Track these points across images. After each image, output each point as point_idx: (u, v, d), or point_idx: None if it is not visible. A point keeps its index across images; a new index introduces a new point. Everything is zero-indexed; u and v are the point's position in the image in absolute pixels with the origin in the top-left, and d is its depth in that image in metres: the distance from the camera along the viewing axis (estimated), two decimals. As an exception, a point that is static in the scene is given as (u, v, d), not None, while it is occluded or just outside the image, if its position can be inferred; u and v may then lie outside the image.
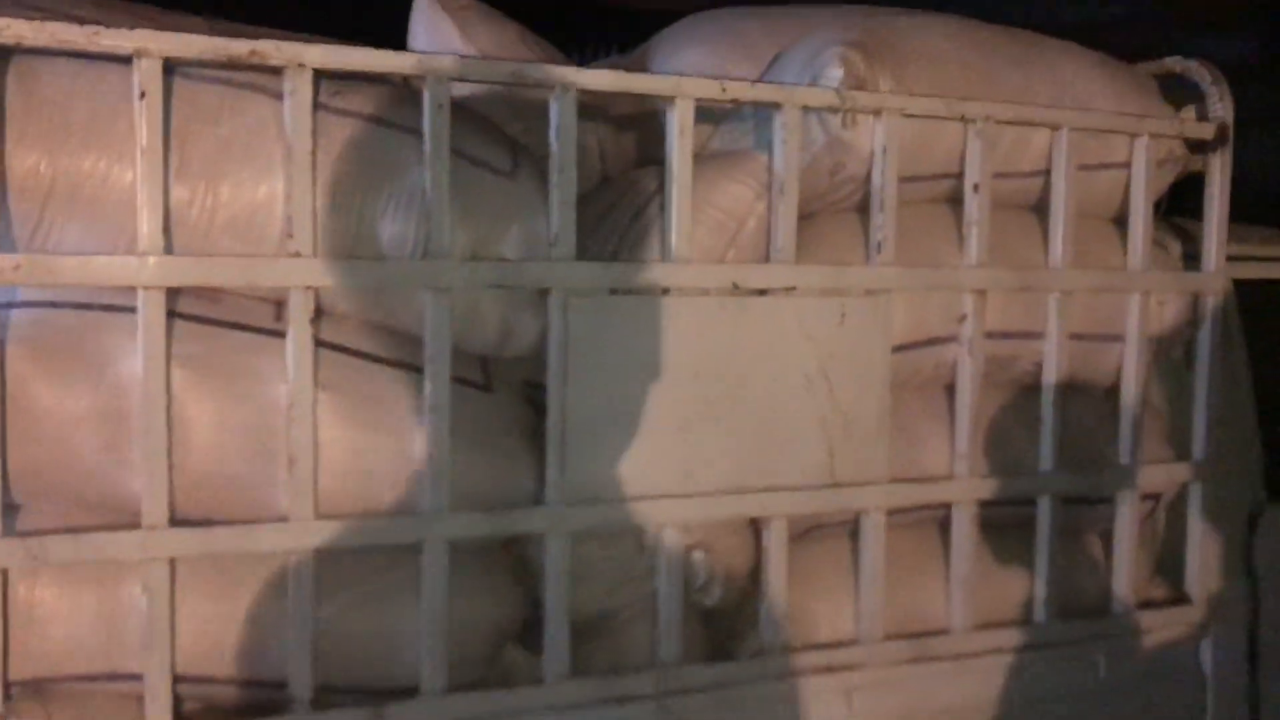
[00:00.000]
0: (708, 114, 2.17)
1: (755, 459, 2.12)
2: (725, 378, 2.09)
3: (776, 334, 2.12)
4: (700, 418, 2.08)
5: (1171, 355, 2.63)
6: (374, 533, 1.88)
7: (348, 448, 1.88)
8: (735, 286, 2.09)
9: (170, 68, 1.73)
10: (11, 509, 1.73)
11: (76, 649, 1.78)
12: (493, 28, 2.41)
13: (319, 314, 1.84)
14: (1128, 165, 2.47)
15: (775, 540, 2.15)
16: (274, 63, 1.76)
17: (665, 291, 2.05)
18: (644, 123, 2.49)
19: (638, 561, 2.10)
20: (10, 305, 1.72)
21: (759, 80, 2.17)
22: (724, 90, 2.06)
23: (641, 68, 2.55)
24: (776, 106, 2.10)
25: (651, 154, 2.46)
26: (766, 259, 2.14)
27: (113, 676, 1.80)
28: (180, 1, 2.05)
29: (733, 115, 2.32)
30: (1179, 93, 2.66)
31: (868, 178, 2.22)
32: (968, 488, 2.31)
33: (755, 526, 2.21)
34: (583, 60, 2.67)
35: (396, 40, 2.33)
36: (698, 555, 2.11)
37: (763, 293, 2.12)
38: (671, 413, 2.05)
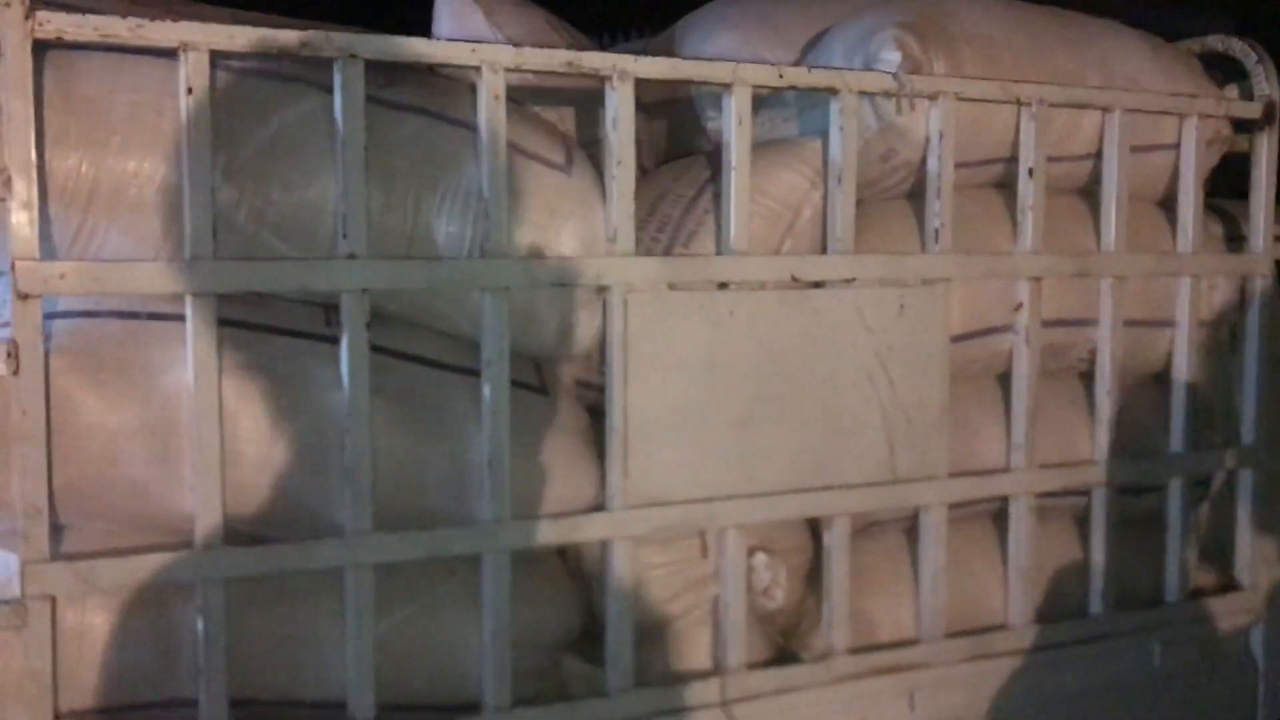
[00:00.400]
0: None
1: (816, 456, 2.06)
2: (785, 373, 2.02)
3: (835, 327, 2.06)
4: (761, 415, 2.01)
5: (1218, 339, 2.58)
6: (434, 544, 1.80)
7: (404, 457, 1.80)
8: (794, 279, 2.02)
9: (215, 61, 1.63)
10: (57, 529, 1.64)
11: (128, 677, 1.69)
12: (520, 14, 2.31)
13: (373, 318, 1.75)
14: (1176, 146, 2.42)
15: (838, 539, 2.09)
16: (325, 54, 1.66)
17: (723, 285, 1.97)
18: (672, 111, 2.42)
19: (699, 566, 2.03)
20: (54, 315, 1.62)
21: (815, 66, 2.09)
22: (781, 76, 1.99)
23: (668, 53, 2.47)
24: (833, 92, 2.03)
25: (685, 145, 2.40)
26: (822, 250, 2.08)
27: (167, 704, 1.71)
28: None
29: (769, 103, 2.25)
30: (1214, 72, 2.61)
31: (920, 164, 2.16)
32: (1025, 480, 2.26)
33: (813, 525, 2.15)
34: (602, 47, 2.58)
35: (415, 28, 2.23)
36: (760, 558, 2.05)
37: (820, 284, 2.05)
38: (732, 410, 1.99)
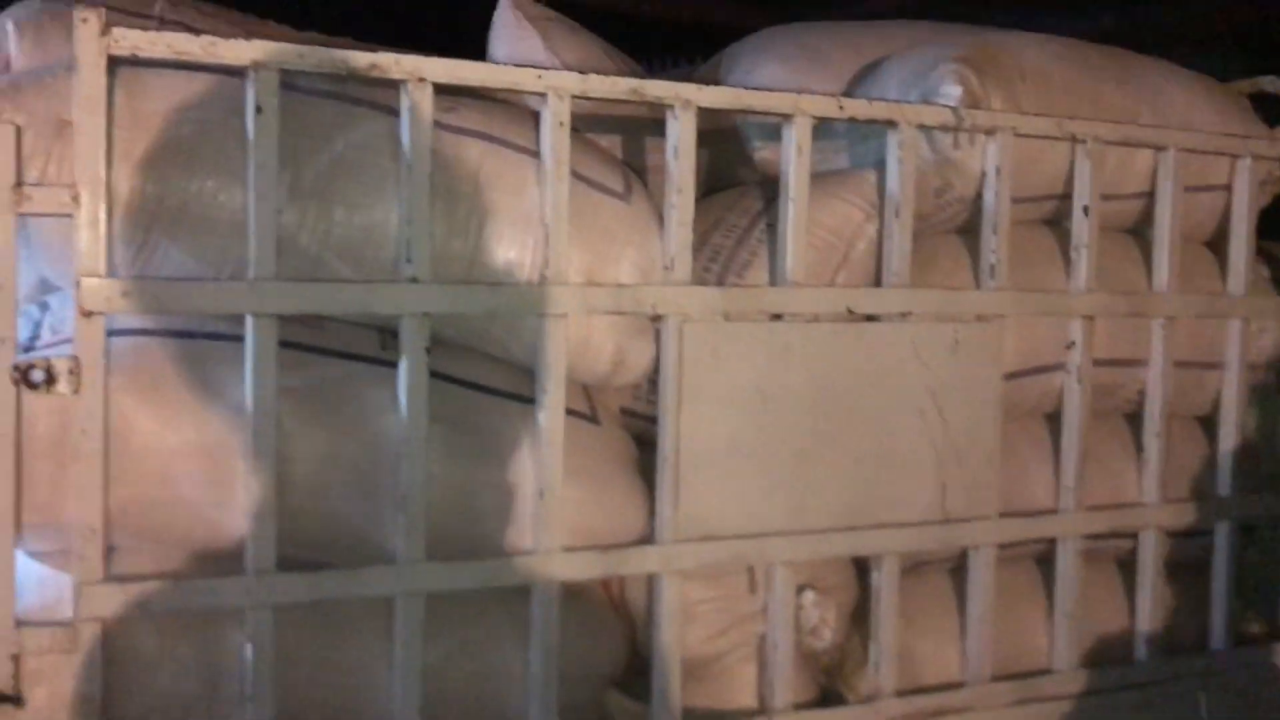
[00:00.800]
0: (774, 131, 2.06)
1: (867, 492, 2.03)
2: (838, 407, 2.00)
3: (889, 361, 2.03)
4: (813, 449, 1.98)
5: (1266, 382, 2.56)
6: (485, 575, 1.78)
7: (457, 484, 1.78)
8: (849, 311, 2.00)
9: (283, 81, 1.62)
10: (110, 551, 1.61)
11: (176, 701, 1.66)
12: (577, 41, 2.31)
13: (430, 342, 1.73)
14: (1226, 187, 2.40)
15: (887, 579, 2.06)
16: (394, 76, 1.65)
17: (778, 317, 1.95)
18: (716, 142, 2.41)
19: (747, 602, 2.00)
20: (114, 333, 1.60)
21: (873, 98, 2.08)
22: (841, 108, 1.97)
23: (713, 83, 2.46)
24: (892, 124, 2.01)
25: (728, 174, 2.39)
26: (876, 283, 2.06)
27: (213, 730, 1.68)
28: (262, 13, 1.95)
29: (821, 133, 2.24)
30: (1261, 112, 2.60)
31: (974, 199, 2.14)
32: (1074, 522, 2.23)
33: (859, 562, 2.12)
34: (650, 75, 2.58)
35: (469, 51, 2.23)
36: (809, 595, 2.02)
37: (875, 318, 2.03)
38: (784, 444, 1.96)
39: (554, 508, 1.80)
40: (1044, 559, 2.30)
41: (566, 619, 1.84)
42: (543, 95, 1.74)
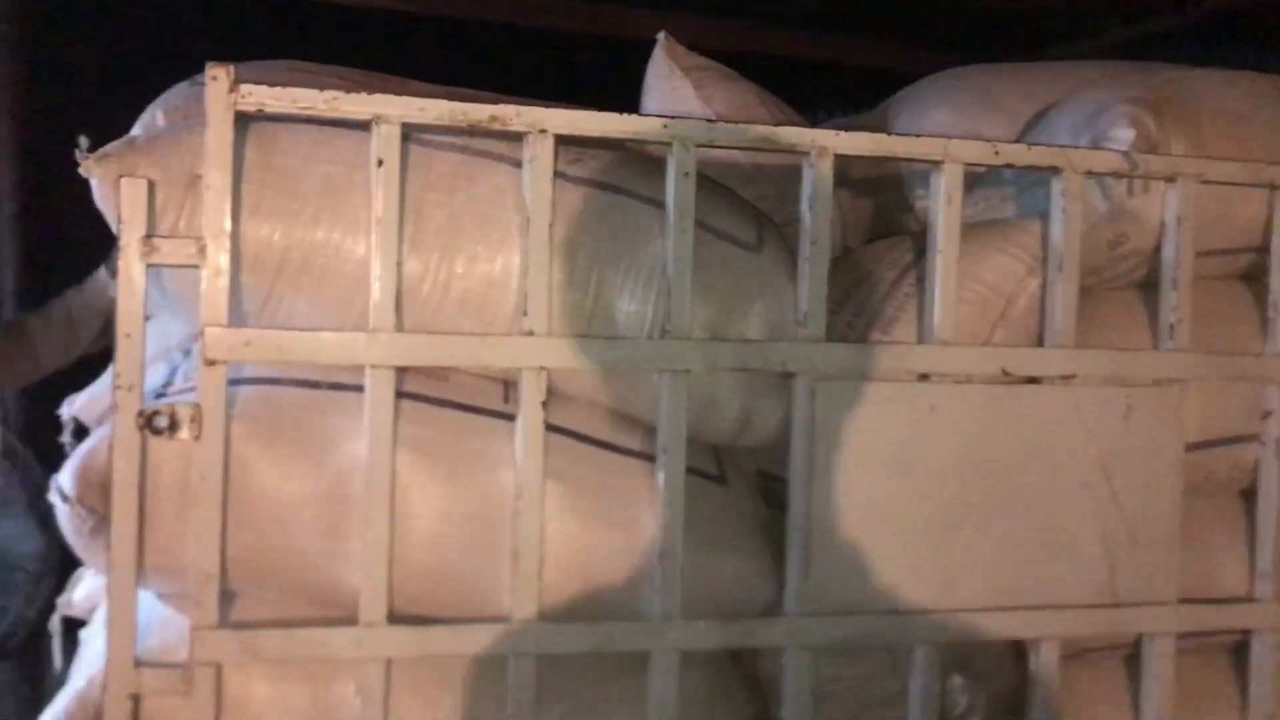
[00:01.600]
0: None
1: (1024, 570, 1.86)
2: (990, 476, 1.85)
3: (1051, 428, 1.87)
4: (961, 521, 1.83)
5: None
6: (601, 639, 1.71)
7: (573, 542, 1.72)
8: (1004, 373, 1.85)
9: (406, 134, 1.63)
10: (226, 596, 1.64)
11: (287, 750, 1.66)
12: (731, 88, 2.26)
13: (549, 396, 1.69)
14: None
15: (1046, 664, 1.87)
16: (515, 128, 1.64)
17: (924, 377, 1.82)
18: (881, 189, 2.30)
19: (887, 683, 1.86)
20: (237, 382, 1.63)
21: (1034, 142, 1.93)
22: (996, 154, 1.84)
23: (879, 129, 2.35)
24: (1055, 171, 1.86)
25: (892, 223, 2.27)
26: (1039, 342, 1.90)
27: (323, 781, 1.67)
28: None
29: (985, 181, 2.10)
30: None
31: (1155, 251, 1.95)
32: (1273, 613, 1.98)
33: (1018, 647, 1.94)
34: (815, 123, 2.49)
35: (625, 102, 2.21)
36: (956, 680, 1.86)
37: (1035, 380, 1.87)
38: (928, 515, 1.82)
39: (674, 572, 1.72)
40: (1238, 651, 2.06)
41: (688, 687, 1.75)
42: (668, 145, 1.69)
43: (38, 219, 3.05)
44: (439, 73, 2.03)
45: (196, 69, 1.62)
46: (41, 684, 3.21)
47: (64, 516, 1.69)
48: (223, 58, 1.55)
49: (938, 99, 2.39)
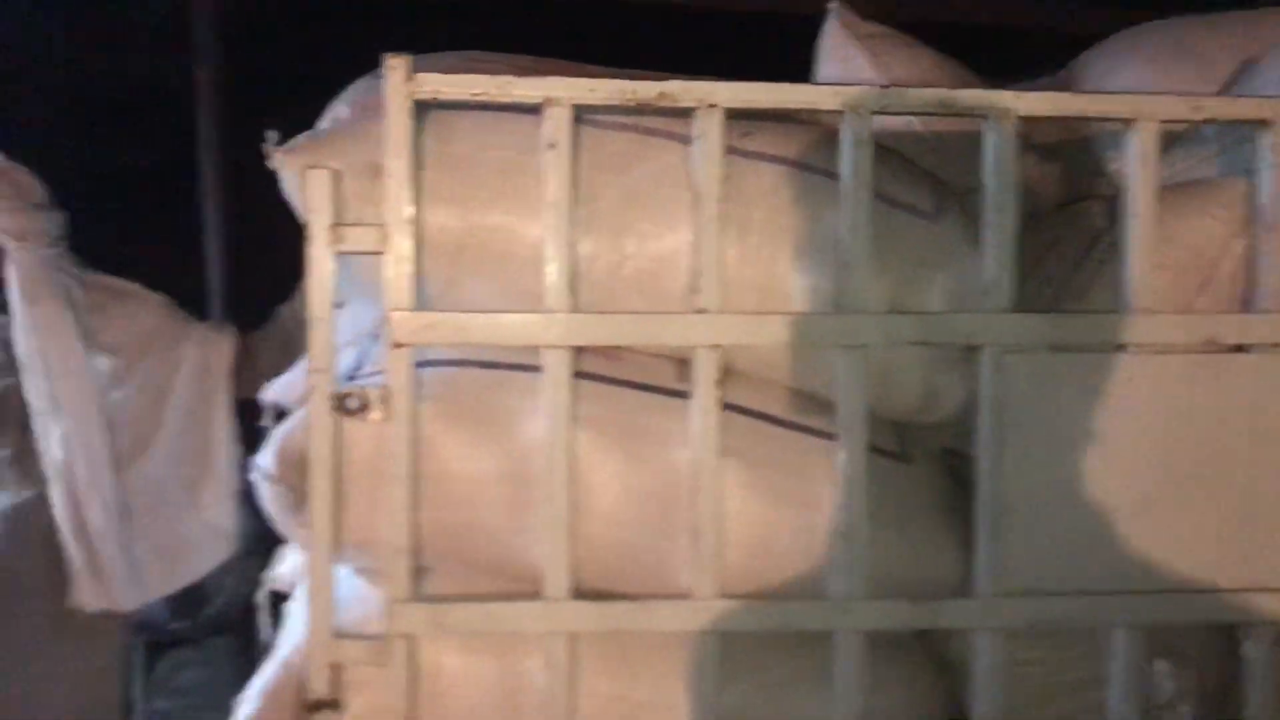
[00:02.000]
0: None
1: (1234, 550, 1.74)
2: (1195, 452, 1.74)
3: (1262, 399, 1.74)
4: (1163, 499, 1.73)
5: None
6: (782, 617, 1.70)
7: (753, 521, 1.71)
8: (1210, 342, 1.74)
9: (576, 116, 1.65)
10: (419, 571, 1.69)
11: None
12: (908, 54, 2.19)
13: (725, 374, 1.68)
14: None
15: (1261, 651, 1.76)
16: (683, 104, 1.63)
17: (1120, 347, 1.73)
18: (1069, 153, 2.19)
19: (1082, 666, 1.78)
20: (424, 364, 1.68)
21: (1239, 94, 1.80)
22: (1197, 108, 1.72)
23: (1067, 89, 2.24)
24: (1263, 124, 1.73)
25: (1081, 188, 2.16)
26: (1246, 308, 1.77)
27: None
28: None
29: (1182, 141, 1.97)
30: None
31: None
32: None
33: (1230, 632, 1.82)
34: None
35: (795, 73, 2.17)
36: (1161, 665, 1.76)
37: (1243, 349, 1.75)
38: (1126, 491, 1.73)
39: (857, 552, 1.69)
40: None
41: (873, 668, 1.72)
42: (840, 113, 1.65)
43: (240, 217, 3.23)
44: (604, 56, 2.04)
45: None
46: (253, 655, 3.43)
47: (267, 495, 1.79)
48: (404, 51, 1.59)
49: (1129, 56, 2.26)
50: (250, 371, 2.56)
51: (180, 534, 2.66)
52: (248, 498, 2.74)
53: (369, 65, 1.91)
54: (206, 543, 2.73)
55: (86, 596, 2.63)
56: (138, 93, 3.54)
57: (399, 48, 1.62)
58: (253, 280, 3.16)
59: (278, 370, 2.39)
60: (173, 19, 3.28)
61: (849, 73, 2.20)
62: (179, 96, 3.30)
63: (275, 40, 3.39)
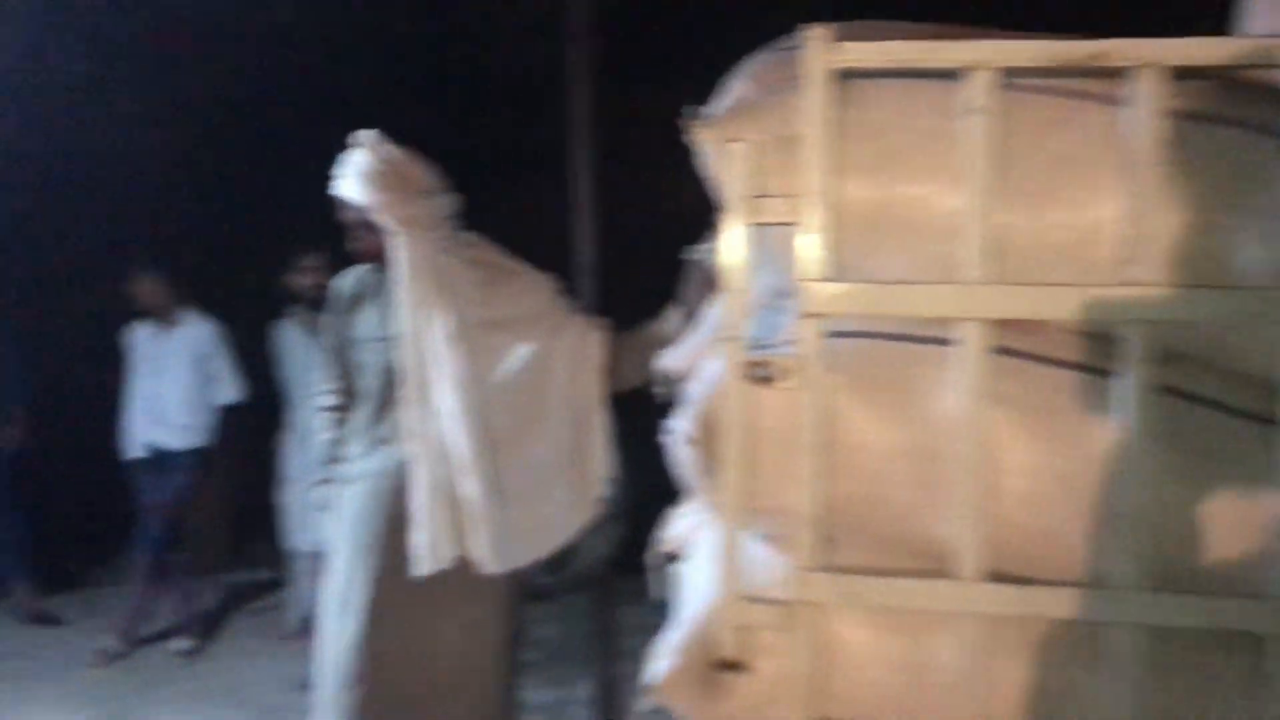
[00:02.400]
0: None
1: None
2: None
3: None
4: None
5: None
6: (1216, 614, 1.58)
7: (1182, 511, 1.59)
8: None
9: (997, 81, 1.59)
10: (825, 541, 1.70)
11: (879, 695, 1.70)
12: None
13: (1161, 354, 1.58)
14: None
15: None
16: (1119, 64, 1.53)
17: None
18: None
19: None
20: (835, 334, 1.68)
21: None
22: None
23: None
24: None
25: None
26: None
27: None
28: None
29: None
30: None
31: None
32: None
33: None
34: None
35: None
36: None
37: None
38: None
39: (1306, 550, 1.54)
40: None
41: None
42: (1297, 68, 1.50)
43: (610, 197, 3.34)
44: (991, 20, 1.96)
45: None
46: (605, 614, 3.58)
47: (683, 457, 1.84)
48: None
49: None
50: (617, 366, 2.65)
51: (549, 514, 2.77)
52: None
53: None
54: (575, 518, 2.82)
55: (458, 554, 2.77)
56: (513, 77, 3.74)
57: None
58: (624, 258, 3.27)
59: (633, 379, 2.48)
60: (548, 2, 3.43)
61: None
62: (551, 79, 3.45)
63: (643, 22, 3.48)
